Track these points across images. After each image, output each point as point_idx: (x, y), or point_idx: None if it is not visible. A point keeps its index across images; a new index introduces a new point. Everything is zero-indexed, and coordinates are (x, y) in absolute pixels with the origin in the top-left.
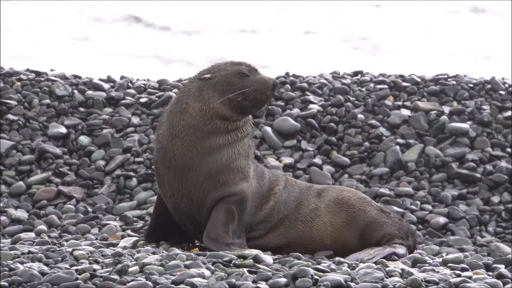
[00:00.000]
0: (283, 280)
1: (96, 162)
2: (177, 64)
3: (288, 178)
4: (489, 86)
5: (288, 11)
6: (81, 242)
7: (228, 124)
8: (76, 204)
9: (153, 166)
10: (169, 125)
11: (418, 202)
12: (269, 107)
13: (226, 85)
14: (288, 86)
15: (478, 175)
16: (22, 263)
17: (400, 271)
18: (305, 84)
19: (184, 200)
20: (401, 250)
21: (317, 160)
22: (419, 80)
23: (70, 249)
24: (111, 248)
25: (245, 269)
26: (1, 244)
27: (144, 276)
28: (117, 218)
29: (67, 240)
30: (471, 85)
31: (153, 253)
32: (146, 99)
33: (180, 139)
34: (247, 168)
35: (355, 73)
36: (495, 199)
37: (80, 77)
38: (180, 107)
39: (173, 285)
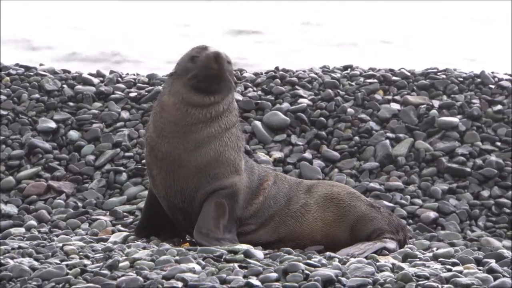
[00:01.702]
0: (274, 275)
1: (86, 157)
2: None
3: (278, 173)
4: (478, 80)
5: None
6: (71, 237)
7: (205, 111)
8: (66, 199)
9: (146, 167)
10: (153, 126)
11: (408, 197)
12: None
13: (185, 73)
14: (278, 80)
15: (468, 169)
16: (12, 258)
17: (391, 265)
18: (294, 79)
19: (177, 196)
20: (391, 244)
21: (307, 154)
22: (408, 74)
23: (60, 244)
24: (102, 243)
25: (235, 264)
26: None
27: (134, 271)
28: (107, 213)
29: (57, 235)
30: (461, 79)
31: (144, 248)
32: (135, 94)
33: (165, 137)
34: (238, 161)
35: (345, 67)
36: (485, 193)
37: (69, 72)
38: (159, 107)
39: (163, 280)
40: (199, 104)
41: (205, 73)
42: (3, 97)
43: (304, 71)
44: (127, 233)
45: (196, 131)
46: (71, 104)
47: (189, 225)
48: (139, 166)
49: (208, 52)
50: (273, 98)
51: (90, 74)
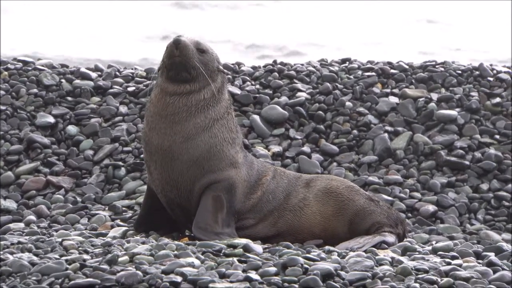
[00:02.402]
0: (273, 269)
1: (84, 152)
2: None
3: (277, 168)
4: (477, 72)
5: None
6: (70, 232)
7: (184, 100)
8: (65, 194)
9: (144, 163)
10: (145, 120)
11: (407, 190)
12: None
13: (162, 65)
14: (276, 74)
15: (467, 163)
16: (11, 253)
17: (390, 259)
18: (293, 72)
19: (174, 191)
20: (390, 238)
21: (306, 148)
22: (407, 67)
23: (59, 239)
24: (101, 238)
25: (235, 259)
26: None
27: (134, 266)
28: (106, 208)
29: (56, 230)
30: (459, 72)
31: (143, 243)
32: (133, 88)
33: (154, 130)
34: (233, 153)
35: (343, 61)
36: (484, 186)
37: (67, 66)
38: (148, 102)
39: (163, 275)
40: (175, 92)
41: (169, 61)
42: (1, 92)
43: (302, 65)
44: (126, 228)
45: (181, 121)
46: (69, 98)
47: (187, 221)
48: (138, 161)
49: (171, 41)
50: (271, 92)
51: (88, 69)
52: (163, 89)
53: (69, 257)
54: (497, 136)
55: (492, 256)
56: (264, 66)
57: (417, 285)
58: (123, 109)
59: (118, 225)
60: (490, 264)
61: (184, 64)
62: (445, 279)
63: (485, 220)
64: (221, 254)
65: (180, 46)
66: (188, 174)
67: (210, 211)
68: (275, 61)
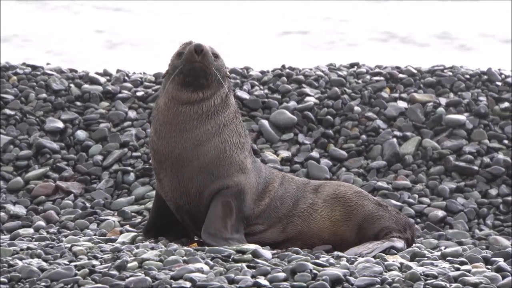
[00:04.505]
0: (282, 274)
1: (93, 157)
2: None
3: (285, 174)
4: (485, 77)
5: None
6: (79, 237)
7: (196, 108)
8: (74, 200)
9: (153, 172)
10: (153, 129)
11: (416, 196)
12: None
13: (173, 70)
14: (284, 78)
15: (476, 168)
16: (21, 259)
17: (399, 265)
18: (301, 77)
19: (183, 198)
20: (399, 243)
21: (314, 153)
22: (415, 71)
23: (69, 245)
24: (110, 243)
25: (244, 264)
26: (0, 240)
27: (143, 272)
28: (115, 214)
29: (65, 236)
30: (468, 76)
31: (152, 248)
32: (142, 93)
33: (163, 138)
34: (242, 158)
35: (351, 65)
36: (493, 191)
37: (76, 71)
38: (155, 109)
39: (172, 281)
40: (188, 101)
41: (189, 67)
42: (10, 97)
43: (311, 69)
44: (135, 234)
45: (191, 129)
46: (78, 103)
47: (196, 227)
48: (147, 166)
49: (190, 46)
50: (279, 96)
51: (96, 73)
52: (174, 98)
53: (78, 263)
54: (506, 141)
55: (501, 261)
56: (273, 71)
57: None
58: (132, 114)
59: (127, 231)
60: (499, 269)
61: (204, 70)
62: (454, 284)
63: (494, 226)
64: (230, 259)
65: (202, 53)
66: (198, 180)
67: (219, 217)
68: (283, 66)
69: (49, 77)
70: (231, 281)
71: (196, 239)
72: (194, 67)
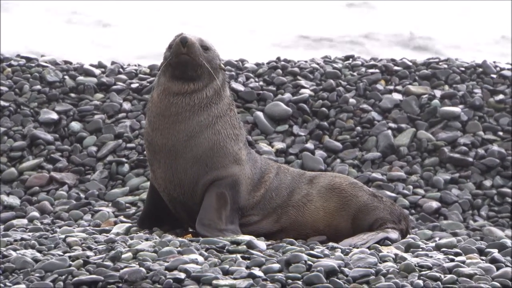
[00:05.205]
0: (276, 266)
1: (87, 148)
2: None
3: (280, 165)
4: (480, 69)
5: None
6: (74, 228)
7: (187, 99)
8: (68, 190)
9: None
10: (147, 120)
11: (411, 187)
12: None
13: (163, 63)
14: (279, 70)
15: (470, 159)
16: (15, 250)
17: (393, 256)
18: (296, 69)
19: (177, 189)
20: (394, 234)
21: (309, 145)
22: (410, 64)
23: (63, 236)
24: (104, 234)
25: (238, 255)
26: None
27: (137, 263)
28: (110, 204)
29: (60, 227)
30: (463, 69)
31: (146, 239)
32: (137, 85)
33: (157, 130)
34: (237, 150)
35: (347, 58)
36: (488, 183)
37: (70, 63)
38: (150, 101)
39: (166, 272)
40: (179, 92)
41: (175, 59)
42: (4, 88)
43: (306, 62)
44: (130, 224)
45: (184, 120)
46: (72, 95)
47: (190, 219)
48: (141, 157)
49: (176, 39)
50: (274, 88)
51: (91, 65)
52: (166, 89)
53: (72, 254)
54: (500, 133)
55: (495, 252)
56: (268, 63)
57: (420, 281)
58: (126, 105)
59: (122, 222)
60: (493, 260)
61: (191, 62)
62: (449, 275)
63: (488, 217)
64: (225, 250)
65: (187, 44)
66: (192, 171)
67: (213, 208)
68: (278, 58)
69: (44, 69)
70: (226, 272)
71: (190, 230)
72: (180, 60)
